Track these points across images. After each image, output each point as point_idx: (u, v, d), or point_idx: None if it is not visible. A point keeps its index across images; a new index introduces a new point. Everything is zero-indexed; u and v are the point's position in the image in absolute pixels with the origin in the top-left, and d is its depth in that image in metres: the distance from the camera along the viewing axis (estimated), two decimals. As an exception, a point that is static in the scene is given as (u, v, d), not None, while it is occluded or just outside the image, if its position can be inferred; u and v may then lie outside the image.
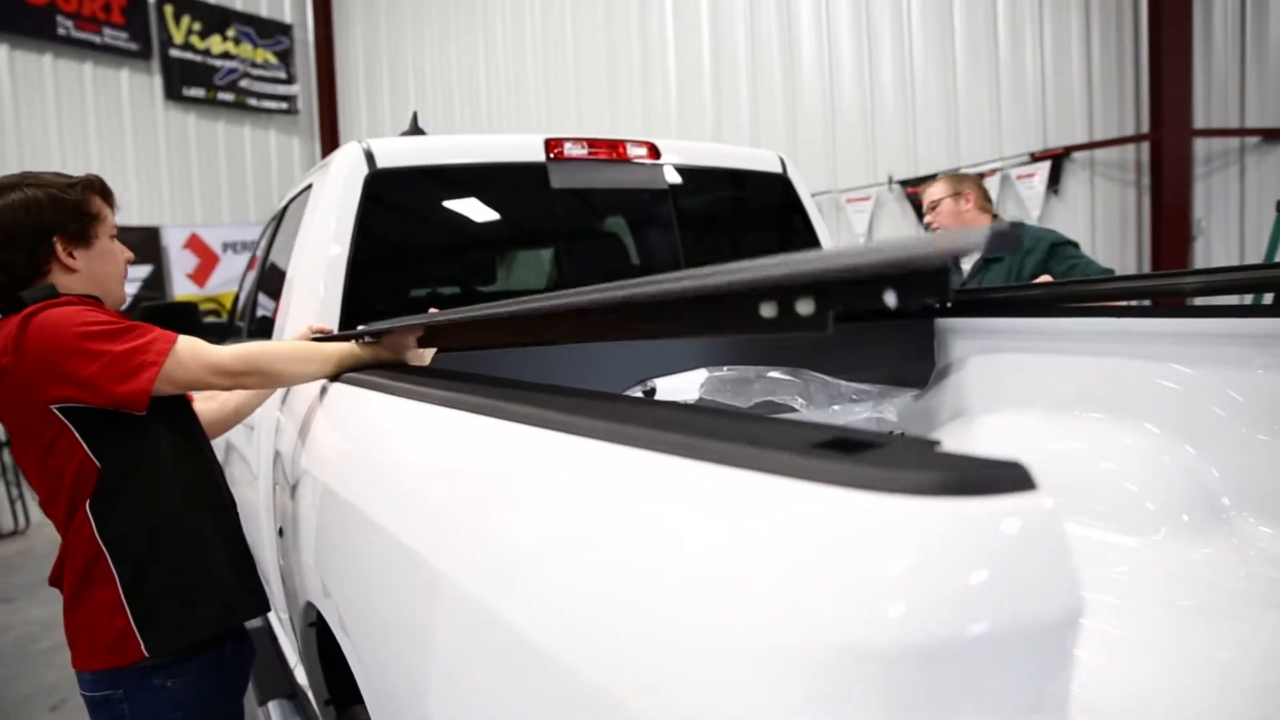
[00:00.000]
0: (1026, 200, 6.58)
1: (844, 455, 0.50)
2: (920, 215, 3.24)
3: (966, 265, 3.16)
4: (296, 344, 1.68)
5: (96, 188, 1.60)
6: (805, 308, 0.56)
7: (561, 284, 2.58)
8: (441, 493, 0.98)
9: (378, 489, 1.20)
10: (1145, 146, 6.48)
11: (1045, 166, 6.57)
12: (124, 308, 1.74)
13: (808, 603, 0.46)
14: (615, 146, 2.58)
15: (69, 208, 1.55)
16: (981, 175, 6.75)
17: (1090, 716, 1.33)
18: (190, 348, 1.49)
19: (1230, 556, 1.76)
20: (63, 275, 1.56)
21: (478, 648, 0.79)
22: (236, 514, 1.78)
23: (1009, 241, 0.48)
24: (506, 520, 0.79)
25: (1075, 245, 3.02)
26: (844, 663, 0.44)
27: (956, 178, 3.24)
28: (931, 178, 6.97)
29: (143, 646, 1.53)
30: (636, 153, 2.61)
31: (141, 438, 1.55)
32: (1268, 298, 1.90)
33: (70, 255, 1.56)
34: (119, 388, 1.43)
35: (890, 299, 0.51)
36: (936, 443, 0.50)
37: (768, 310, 0.59)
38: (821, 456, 0.51)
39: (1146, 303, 2.41)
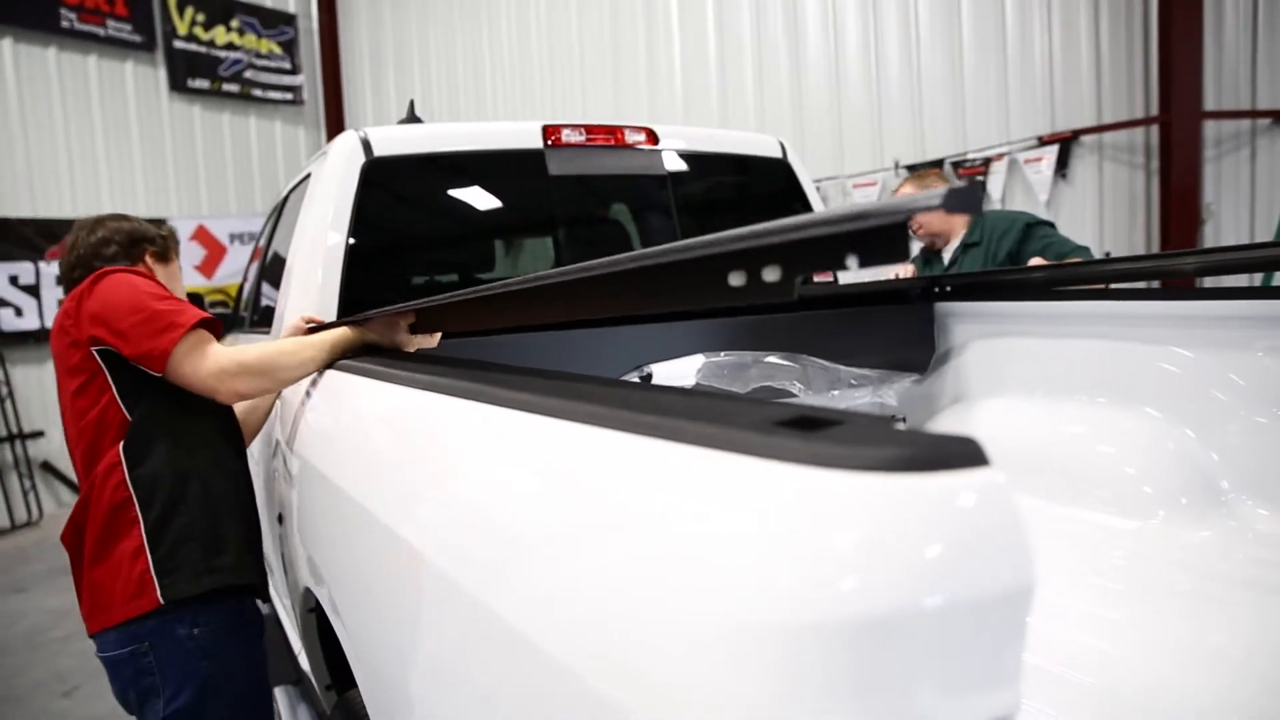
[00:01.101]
0: (1034, 184, 6.53)
1: (802, 433, 0.51)
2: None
3: (947, 255, 3.20)
4: (283, 341, 1.73)
5: (175, 235, 2.08)
6: (771, 275, 0.56)
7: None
8: (422, 474, 0.98)
9: (367, 475, 1.20)
10: (1154, 129, 6.42)
11: (1053, 150, 6.52)
12: None
13: (766, 579, 0.46)
14: (613, 132, 2.57)
15: (159, 234, 2.00)
16: (988, 160, 6.70)
17: (1092, 699, 1.33)
18: (207, 340, 1.66)
19: (1229, 540, 1.75)
20: None
21: (459, 631, 0.80)
22: (253, 491, 1.90)
23: (968, 199, 0.48)
24: (475, 503, 0.80)
25: (1050, 225, 3.06)
26: (801, 639, 0.44)
27: (920, 176, 3.30)
28: (934, 164, 6.93)
29: (159, 593, 1.63)
30: (635, 138, 2.60)
31: (179, 395, 1.70)
32: (1279, 278, 1.88)
33: (153, 264, 1.96)
34: (145, 343, 1.62)
35: (852, 262, 0.51)
36: (895, 420, 0.50)
37: (736, 279, 0.60)
38: (781, 434, 0.51)
39: (1152, 284, 2.40)
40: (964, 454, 0.45)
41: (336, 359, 1.66)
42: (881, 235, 0.49)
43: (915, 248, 3.34)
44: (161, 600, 1.62)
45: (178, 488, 1.69)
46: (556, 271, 0.78)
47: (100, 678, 3.74)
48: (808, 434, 0.50)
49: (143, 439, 1.67)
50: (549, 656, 0.61)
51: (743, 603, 0.47)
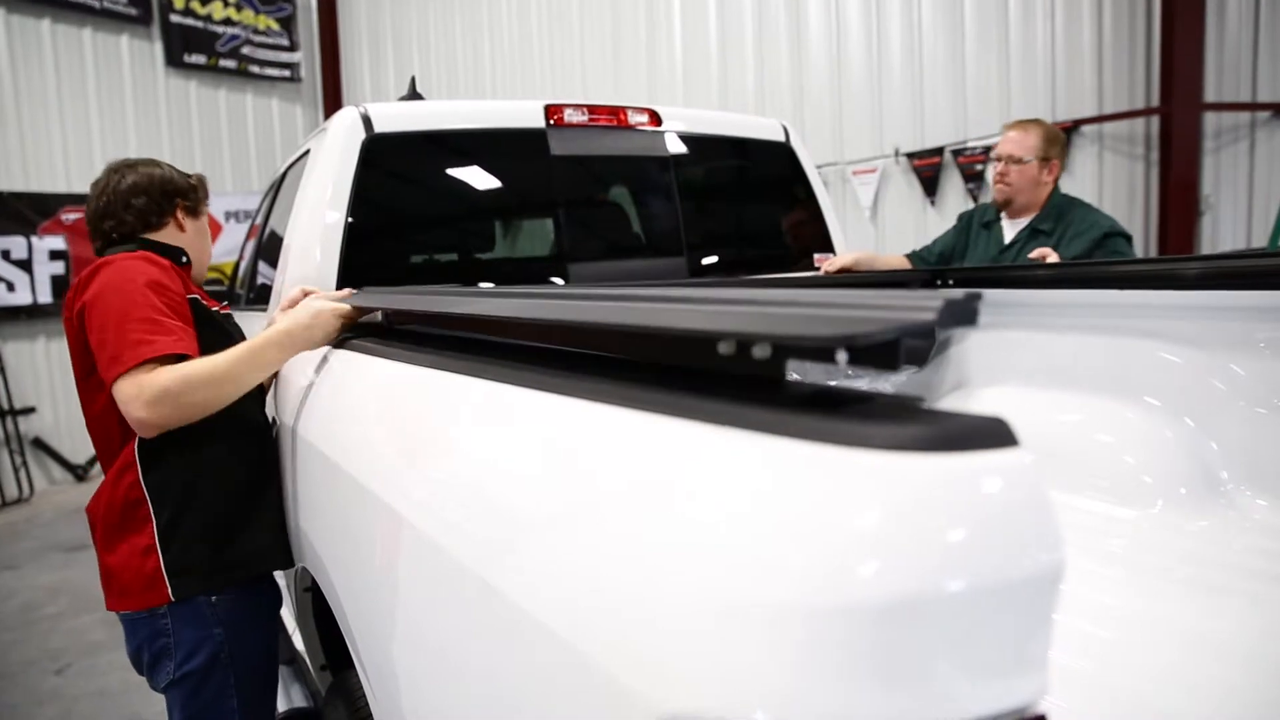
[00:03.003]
0: (1034, 174, 6.51)
1: (825, 412, 0.50)
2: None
3: (1010, 231, 2.92)
4: (216, 363, 1.61)
5: (205, 184, 2.00)
6: (761, 352, 0.56)
7: (561, 253, 2.56)
8: (425, 454, 0.97)
9: (368, 453, 1.19)
10: (1155, 120, 6.41)
11: (1054, 140, 6.49)
12: None
13: (788, 560, 0.45)
14: (616, 113, 2.55)
15: (190, 184, 1.93)
16: (988, 149, 6.68)
17: (1092, 686, 1.33)
18: (149, 373, 1.53)
19: (1227, 529, 1.75)
20: (174, 233, 1.88)
21: (464, 609, 0.79)
22: (279, 476, 1.86)
23: (963, 313, 0.47)
24: (489, 481, 0.79)
25: (1128, 239, 2.78)
26: (823, 620, 0.43)
27: (1049, 137, 2.89)
28: (934, 152, 6.90)
29: (170, 592, 1.65)
30: (638, 119, 2.58)
31: None
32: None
33: (183, 218, 1.89)
34: (100, 363, 1.58)
35: (842, 359, 0.51)
36: (919, 399, 0.49)
37: (724, 348, 0.59)
38: (803, 413, 0.50)
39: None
40: (993, 433, 0.44)
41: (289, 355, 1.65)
42: (875, 345, 0.48)
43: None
44: (173, 598, 1.65)
45: (191, 487, 1.69)
46: (547, 303, 0.77)
47: (91, 656, 3.75)
48: (832, 412, 0.49)
49: (157, 439, 1.62)
50: (560, 638, 0.60)
51: (764, 583, 0.46)
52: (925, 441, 0.43)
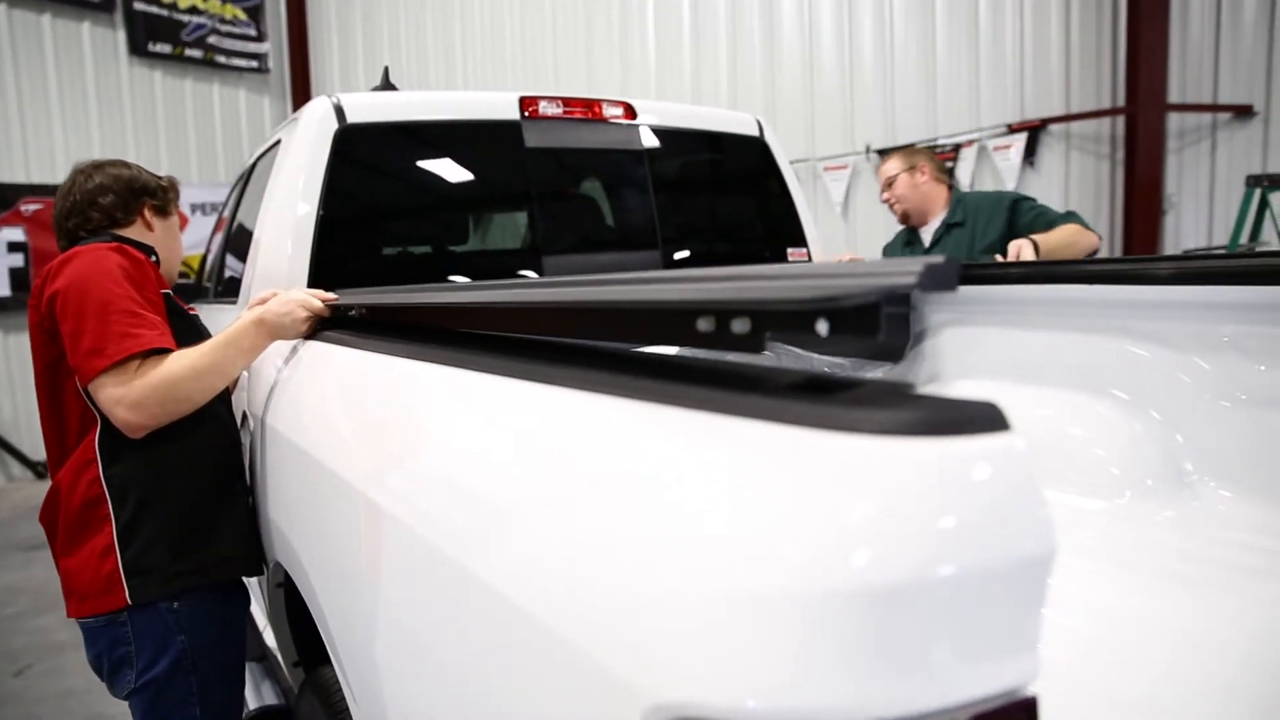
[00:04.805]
0: (1003, 171, 6.60)
1: (816, 397, 0.49)
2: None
3: (927, 235, 3.13)
4: (195, 357, 1.60)
5: (176, 186, 1.97)
6: (740, 326, 0.56)
7: (535, 246, 2.54)
8: (406, 445, 0.96)
9: (342, 443, 1.18)
10: (1120, 120, 6.51)
11: (1022, 138, 6.59)
12: None
13: (781, 547, 0.45)
14: (591, 106, 2.54)
15: (159, 185, 1.90)
16: (958, 147, 6.75)
17: (1063, 676, 1.35)
18: (133, 370, 1.51)
19: (1193, 520, 1.79)
20: (142, 231, 1.84)
21: (445, 600, 0.78)
22: (244, 476, 1.82)
23: (944, 276, 0.47)
24: (472, 470, 0.78)
25: (1032, 199, 3.06)
26: (817, 607, 0.43)
27: (908, 151, 3.23)
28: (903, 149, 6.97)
29: (127, 594, 1.59)
30: (613, 113, 2.57)
31: None
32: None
33: (151, 218, 1.85)
34: (76, 357, 1.52)
35: (822, 329, 0.50)
36: (910, 385, 0.49)
37: (704, 324, 0.59)
38: (793, 399, 0.50)
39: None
40: (986, 418, 0.44)
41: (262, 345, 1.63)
42: (856, 310, 0.48)
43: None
44: (130, 601, 1.60)
45: (153, 486, 1.63)
46: (527, 291, 0.76)
47: (52, 657, 3.67)
48: (823, 398, 0.49)
49: (119, 434, 1.58)
50: (548, 629, 0.59)
51: (756, 570, 0.46)
52: (918, 426, 0.43)
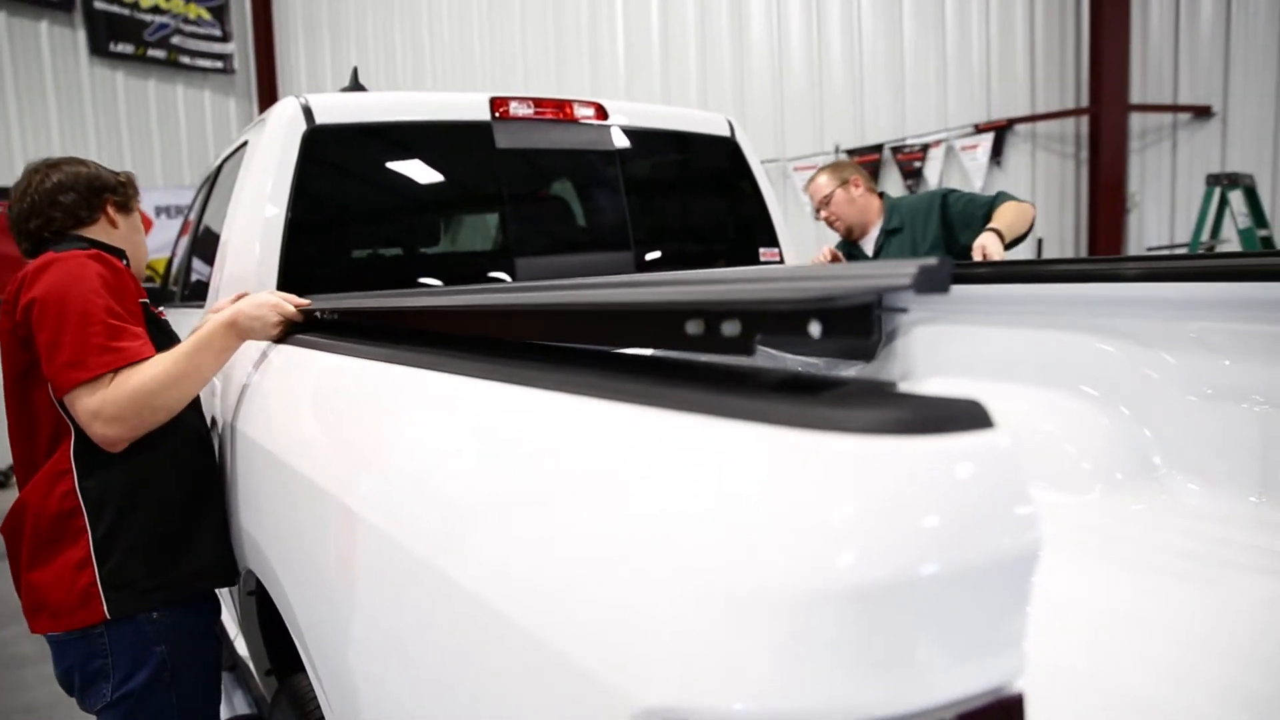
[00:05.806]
0: (970, 171, 6.69)
1: (800, 397, 0.49)
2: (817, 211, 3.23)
3: (869, 245, 3.16)
4: (167, 363, 1.57)
5: (134, 182, 1.94)
6: (731, 329, 0.55)
7: (507, 247, 2.53)
8: (382, 449, 0.95)
9: (313, 448, 1.16)
10: (1084, 120, 6.62)
11: (989, 138, 6.67)
12: None
13: (766, 547, 0.45)
14: (562, 106, 2.53)
15: (117, 180, 1.86)
16: (926, 147, 6.82)
17: (1031, 667, 1.36)
18: (108, 383, 1.49)
19: (1161, 513, 1.82)
20: (107, 229, 1.81)
21: (422, 604, 0.77)
22: (220, 485, 1.78)
23: (938, 277, 0.47)
24: (449, 473, 0.77)
25: (956, 190, 3.10)
26: (803, 607, 0.43)
27: (836, 166, 3.25)
28: (873, 149, 7.01)
29: (105, 608, 1.56)
30: (584, 113, 2.56)
31: None
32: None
33: (115, 214, 1.82)
34: (52, 368, 1.49)
35: (815, 330, 0.50)
36: (893, 384, 0.49)
37: (693, 328, 0.58)
38: (777, 399, 0.50)
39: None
40: (970, 416, 0.44)
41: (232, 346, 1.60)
42: (847, 310, 0.48)
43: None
44: (109, 616, 1.56)
45: (130, 497, 1.59)
46: (510, 294, 0.75)
47: (9, 672, 3.59)
48: (808, 397, 0.49)
49: (95, 445, 1.55)
50: (530, 633, 0.59)
51: (739, 570, 0.45)
52: (903, 424, 0.43)
